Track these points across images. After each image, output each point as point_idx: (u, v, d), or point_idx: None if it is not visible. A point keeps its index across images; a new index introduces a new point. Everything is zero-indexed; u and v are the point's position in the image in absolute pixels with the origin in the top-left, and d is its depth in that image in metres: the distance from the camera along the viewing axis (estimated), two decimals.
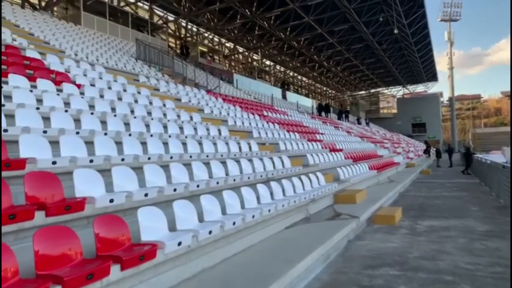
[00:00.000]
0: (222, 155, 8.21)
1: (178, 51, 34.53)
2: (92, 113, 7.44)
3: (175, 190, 5.33)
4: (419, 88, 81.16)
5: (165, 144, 7.18)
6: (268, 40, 43.98)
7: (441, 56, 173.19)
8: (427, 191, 15.46)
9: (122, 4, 32.16)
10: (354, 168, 13.49)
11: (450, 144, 44.82)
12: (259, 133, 12.85)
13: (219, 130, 10.54)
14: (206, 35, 40.95)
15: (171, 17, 36.96)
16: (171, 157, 6.65)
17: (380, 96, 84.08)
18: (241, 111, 16.21)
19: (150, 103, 10.82)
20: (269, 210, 5.98)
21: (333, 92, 78.84)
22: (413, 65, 60.82)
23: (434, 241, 7.55)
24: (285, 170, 9.06)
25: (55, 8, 27.38)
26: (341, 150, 17.40)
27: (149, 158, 6.17)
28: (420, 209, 11.31)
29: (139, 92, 11.59)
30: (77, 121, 6.60)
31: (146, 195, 4.84)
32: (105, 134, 6.56)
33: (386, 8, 35.65)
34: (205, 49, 40.13)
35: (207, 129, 10.09)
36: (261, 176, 7.89)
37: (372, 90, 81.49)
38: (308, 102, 45.65)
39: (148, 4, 34.28)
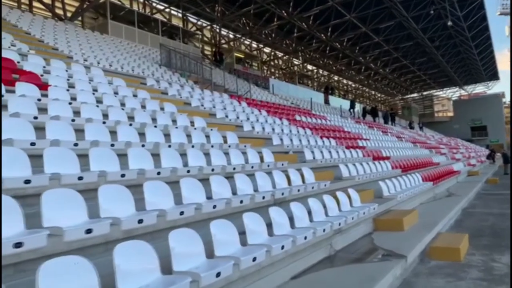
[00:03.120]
0: (213, 169, 6.08)
1: (212, 58, 33.17)
2: (34, 118, 5.61)
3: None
4: (478, 89, 74.65)
5: (122, 156, 5.16)
6: (308, 43, 41.56)
7: (500, 54, 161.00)
8: (499, 207, 12.36)
9: (154, 11, 31.29)
10: (403, 180, 10.84)
11: None
12: (281, 139, 10.59)
13: (224, 137, 8.43)
14: (243, 40, 39.36)
15: (204, 24, 35.72)
16: (121, 175, 4.61)
17: (434, 99, 78.44)
18: (266, 116, 14.05)
19: (143, 106, 8.96)
20: (254, 259, 3.74)
21: (383, 96, 74.47)
22: (470, 63, 55.60)
23: None
24: (303, 188, 6.75)
25: (85, 19, 26.97)
26: (387, 158, 14.69)
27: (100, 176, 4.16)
28: (493, 235, 8.50)
29: (135, 95, 9.80)
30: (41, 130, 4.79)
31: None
32: (57, 145, 4.66)
33: None
34: (241, 55, 38.45)
35: (207, 136, 8.01)
36: (263, 198, 5.66)
37: (425, 93, 76.13)
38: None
39: (181, 11, 33.21)
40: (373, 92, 70.43)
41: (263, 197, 5.66)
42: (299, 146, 10.78)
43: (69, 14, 24.00)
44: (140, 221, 3.72)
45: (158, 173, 5.15)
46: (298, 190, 6.59)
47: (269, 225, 4.79)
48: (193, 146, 6.99)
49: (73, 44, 16.36)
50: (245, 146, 8.31)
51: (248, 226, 4.32)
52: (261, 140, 10.24)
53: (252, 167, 7.02)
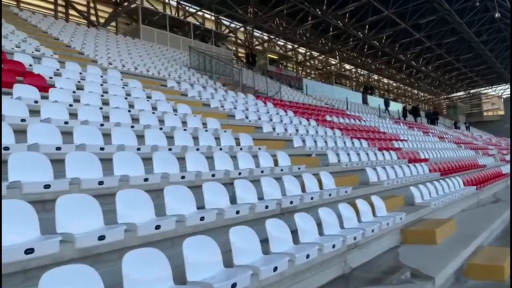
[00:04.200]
0: (213, 175, 5.49)
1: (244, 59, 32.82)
2: (22, 120, 5.26)
3: None
4: None
5: (106, 160, 4.68)
6: (345, 41, 40.21)
7: None
8: None
9: (187, 15, 31.33)
10: (441, 184, 9.77)
11: None
12: (303, 141, 9.86)
13: (236, 139, 7.84)
14: (276, 41, 38.72)
15: (237, 26, 35.41)
16: (99, 182, 4.11)
17: (482, 97, 73.96)
18: (292, 117, 13.33)
19: (154, 108, 8.55)
20: (234, 285, 3.09)
21: (426, 95, 71.17)
22: None
23: None
24: (318, 195, 6.01)
25: (119, 25, 27.37)
26: (425, 160, 13.53)
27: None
28: None
29: (149, 97, 9.43)
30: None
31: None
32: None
33: None
34: (275, 57, 37.82)
35: (217, 138, 7.45)
36: (267, 207, 4.99)
37: (472, 91, 71.98)
38: (395, 106, 40.57)
39: (213, 14, 33.11)
40: (415, 91, 67.54)
41: (266, 207, 5.00)
42: (324, 148, 10.00)
43: (103, 21, 24.42)
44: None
45: (146, 180, 4.63)
46: (312, 198, 5.86)
47: (267, 241, 4.13)
48: (198, 149, 6.44)
49: (100, 48, 16.39)
50: (259, 149, 7.68)
51: (235, 244, 3.67)
52: (281, 142, 9.56)
53: (262, 171, 6.37)
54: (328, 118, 16.24)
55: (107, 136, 5.64)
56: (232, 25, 35.12)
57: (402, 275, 4.92)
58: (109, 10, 26.29)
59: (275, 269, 3.58)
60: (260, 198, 5.43)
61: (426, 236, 6.36)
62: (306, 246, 4.26)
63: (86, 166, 4.35)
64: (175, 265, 3.16)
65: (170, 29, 26.81)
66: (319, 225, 5.00)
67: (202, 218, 4.11)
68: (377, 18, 33.46)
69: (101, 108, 7.09)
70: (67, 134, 5.26)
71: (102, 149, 5.14)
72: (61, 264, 2.74)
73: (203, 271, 3.26)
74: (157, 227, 3.66)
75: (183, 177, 5.07)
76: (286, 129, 10.73)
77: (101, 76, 10.07)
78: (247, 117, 10.82)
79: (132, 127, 6.55)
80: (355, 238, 4.93)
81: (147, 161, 5.14)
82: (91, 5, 24.77)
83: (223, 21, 34.75)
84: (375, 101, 39.15)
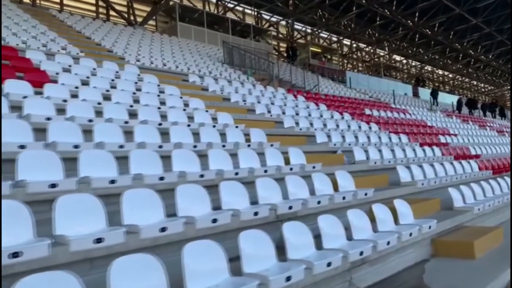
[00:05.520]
0: (202, 176, 4.80)
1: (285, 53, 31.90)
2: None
3: None
4: None
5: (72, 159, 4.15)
6: (393, 31, 38.01)
7: None
8: None
9: (226, 10, 30.96)
10: (490, 185, 8.43)
11: None
12: (328, 137, 8.92)
13: (246, 135, 7.12)
14: (319, 33, 37.34)
15: (278, 19, 34.50)
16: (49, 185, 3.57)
17: None
18: (324, 111, 12.37)
19: (163, 103, 8.02)
20: None
21: (487, 86, 66.12)
22: None
23: None
24: (327, 199, 5.14)
25: (158, 24, 27.51)
26: (476, 156, 12.04)
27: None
28: None
29: (162, 92, 8.94)
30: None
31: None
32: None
33: None
34: (318, 50, 36.52)
35: (222, 134, 6.76)
36: (256, 214, 4.22)
37: None
38: (449, 99, 37.76)
39: (253, 9, 32.46)
40: (474, 82, 62.95)
41: (255, 214, 4.23)
42: (352, 144, 9.01)
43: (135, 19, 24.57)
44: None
45: (112, 181, 4.04)
46: (319, 203, 5.00)
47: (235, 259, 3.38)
48: (195, 147, 5.79)
49: (131, 46, 16.28)
50: (271, 145, 6.90)
51: (189, 265, 2.95)
52: (302, 137, 8.70)
53: (266, 171, 5.59)
54: (367, 111, 15.05)
55: (87, 132, 5.13)
56: (273, 19, 34.29)
57: None
58: (148, 9, 26.49)
59: None
60: (254, 202, 4.68)
61: (462, 249, 5.26)
62: (292, 264, 3.46)
63: (42, 165, 3.82)
64: None
65: (210, 26, 26.56)
66: (319, 236, 4.17)
67: (163, 229, 3.43)
68: (428, 5, 31.19)
69: (99, 104, 6.65)
70: (42, 131, 4.81)
71: (76, 147, 4.63)
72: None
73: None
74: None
75: (161, 178, 4.43)
76: (311, 124, 9.83)
77: (117, 72, 9.73)
78: (269, 112, 10.04)
79: (126, 122, 6.03)
80: (361, 254, 4.03)
81: (121, 160, 4.57)
82: (130, 4, 24.97)
83: (263, 15, 34.04)
84: (427, 93, 36.67)
